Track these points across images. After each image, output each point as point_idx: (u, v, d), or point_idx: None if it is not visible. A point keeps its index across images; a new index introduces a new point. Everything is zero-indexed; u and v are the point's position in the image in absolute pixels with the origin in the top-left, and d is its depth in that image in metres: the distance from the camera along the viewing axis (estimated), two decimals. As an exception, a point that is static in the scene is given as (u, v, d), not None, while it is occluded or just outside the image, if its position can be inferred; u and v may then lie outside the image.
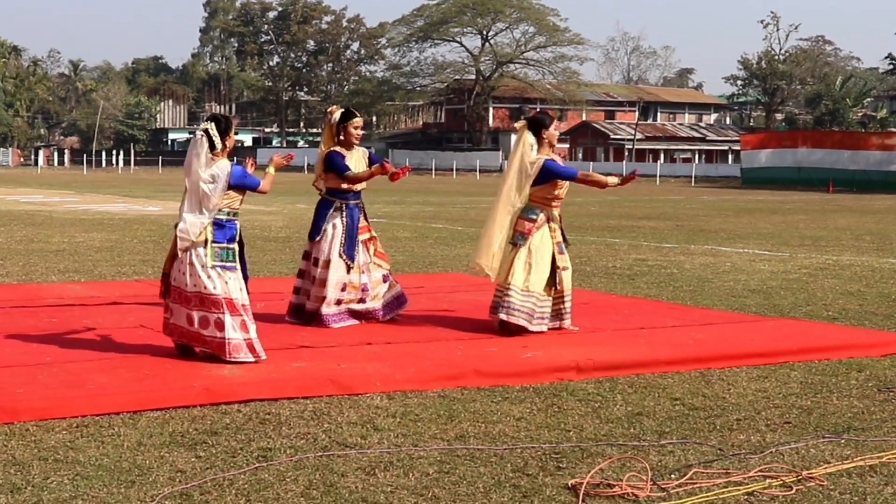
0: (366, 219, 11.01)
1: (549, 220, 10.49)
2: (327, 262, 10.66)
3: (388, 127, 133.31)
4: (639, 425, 7.24)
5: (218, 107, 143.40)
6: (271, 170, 9.43)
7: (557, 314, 10.51)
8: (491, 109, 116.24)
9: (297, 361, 8.80)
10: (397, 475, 6.04)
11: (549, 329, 10.39)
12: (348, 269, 10.71)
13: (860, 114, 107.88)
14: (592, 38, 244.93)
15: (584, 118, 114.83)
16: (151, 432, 6.80)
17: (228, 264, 8.88)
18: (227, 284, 8.78)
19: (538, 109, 10.89)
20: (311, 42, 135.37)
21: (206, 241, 8.83)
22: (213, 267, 8.80)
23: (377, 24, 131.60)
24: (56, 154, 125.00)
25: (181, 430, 6.86)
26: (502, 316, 10.25)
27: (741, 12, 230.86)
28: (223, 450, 6.46)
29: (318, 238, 10.74)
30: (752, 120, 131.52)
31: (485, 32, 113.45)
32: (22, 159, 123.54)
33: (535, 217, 10.39)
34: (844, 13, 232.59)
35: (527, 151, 10.40)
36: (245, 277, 9.08)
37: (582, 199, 46.03)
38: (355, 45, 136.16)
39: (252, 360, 8.68)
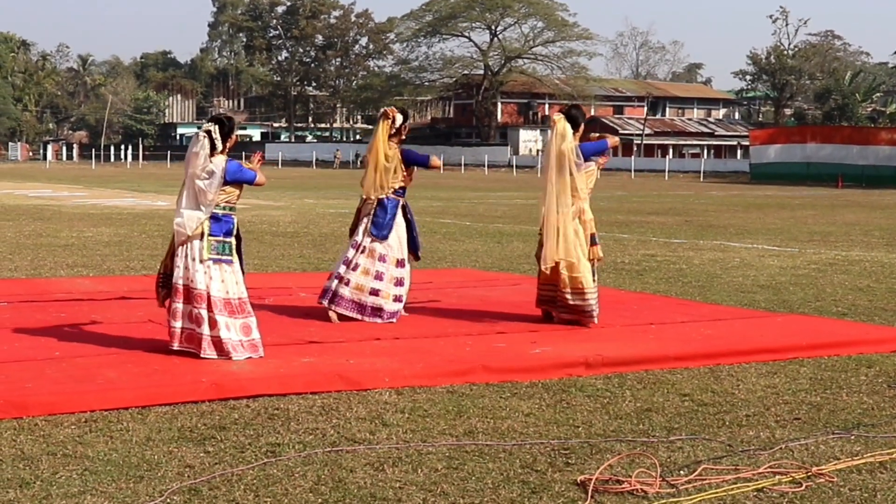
0: None
1: (580, 212, 10.54)
2: (402, 261, 10.83)
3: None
4: (648, 421, 7.22)
5: (226, 101, 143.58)
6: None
7: None
8: (499, 104, 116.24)
9: (306, 357, 8.80)
10: (406, 471, 6.03)
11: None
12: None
13: (869, 109, 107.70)
14: (601, 32, 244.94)
15: (592, 113, 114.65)
16: (160, 427, 6.80)
17: (224, 257, 8.89)
18: (212, 280, 8.77)
19: (572, 105, 10.93)
20: (320, 37, 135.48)
21: (202, 235, 8.84)
22: (207, 260, 8.80)
23: (385, 19, 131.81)
24: (65, 148, 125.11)
25: (190, 426, 6.85)
26: (562, 314, 10.57)
27: (750, 7, 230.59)
28: (232, 445, 6.46)
29: (387, 235, 10.78)
30: (760, 115, 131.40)
31: (493, 27, 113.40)
32: (31, 154, 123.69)
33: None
34: (854, 8, 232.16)
35: (567, 138, 10.48)
36: (241, 272, 9.08)
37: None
38: (364, 40, 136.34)
39: (215, 356, 8.64)
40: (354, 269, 10.72)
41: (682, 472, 6.10)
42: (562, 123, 10.55)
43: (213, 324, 8.71)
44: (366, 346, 9.38)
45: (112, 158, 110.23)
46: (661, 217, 30.62)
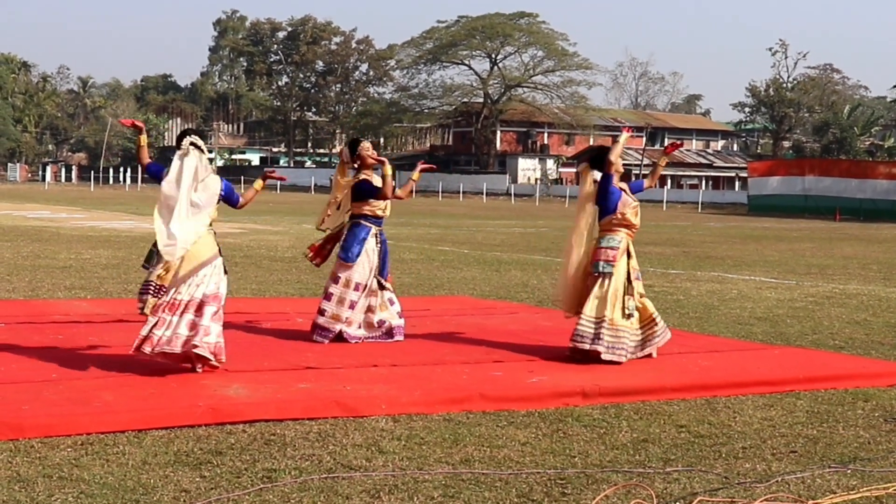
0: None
1: (627, 248, 10.54)
2: (372, 290, 11.17)
3: (395, 149, 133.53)
4: (644, 452, 7.22)
5: (226, 125, 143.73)
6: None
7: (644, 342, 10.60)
8: (499, 133, 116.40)
9: (303, 382, 8.80)
10: (402, 499, 6.02)
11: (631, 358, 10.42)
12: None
13: (868, 143, 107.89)
14: (601, 62, 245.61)
15: (591, 143, 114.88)
16: (156, 451, 6.79)
17: None
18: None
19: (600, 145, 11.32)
20: (320, 62, 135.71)
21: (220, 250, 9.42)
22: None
23: (386, 46, 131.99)
24: (64, 170, 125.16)
25: (186, 450, 6.85)
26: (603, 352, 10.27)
27: (750, 39, 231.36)
28: (228, 470, 6.45)
29: (352, 258, 11.17)
30: (759, 147, 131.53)
31: (493, 56, 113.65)
32: (30, 175, 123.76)
33: (616, 245, 10.44)
34: (853, 42, 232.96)
35: (591, 185, 10.66)
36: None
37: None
38: (364, 67, 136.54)
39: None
40: (328, 298, 11.07)
41: (678, 503, 6.09)
42: (588, 173, 10.71)
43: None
44: (363, 372, 9.38)
45: (111, 181, 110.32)
46: (659, 247, 30.65)
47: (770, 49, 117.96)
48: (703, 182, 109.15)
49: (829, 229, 48.28)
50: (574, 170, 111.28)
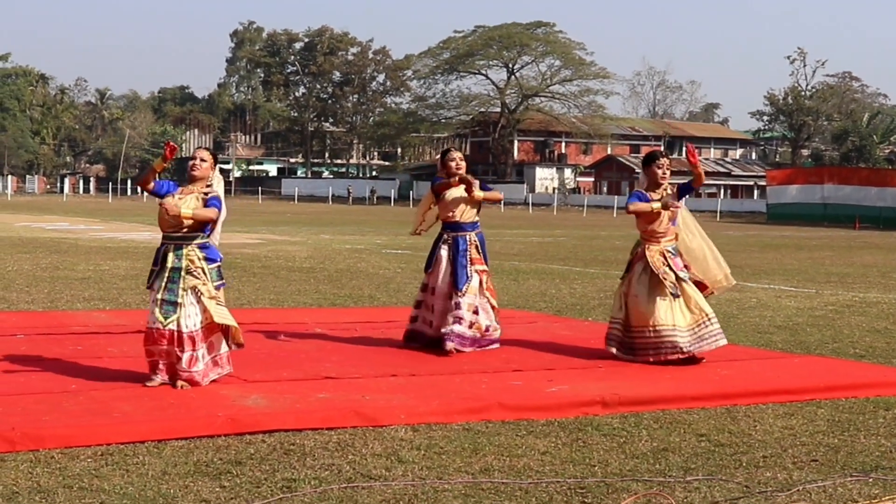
0: (477, 250, 11.75)
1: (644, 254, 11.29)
2: (446, 293, 11.33)
3: (412, 159, 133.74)
4: (664, 461, 7.19)
5: (243, 136, 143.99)
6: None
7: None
8: (516, 142, 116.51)
9: (322, 392, 8.79)
10: (422, 508, 6.01)
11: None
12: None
13: (887, 150, 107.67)
14: (618, 71, 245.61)
15: (609, 152, 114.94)
16: (176, 461, 6.79)
17: None
18: None
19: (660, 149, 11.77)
20: (337, 73, 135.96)
21: None
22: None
23: (403, 56, 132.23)
24: (81, 182, 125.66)
25: (206, 460, 6.84)
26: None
27: (768, 48, 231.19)
28: (247, 480, 6.45)
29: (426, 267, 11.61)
30: (777, 155, 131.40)
31: (511, 65, 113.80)
32: (48, 187, 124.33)
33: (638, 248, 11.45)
34: (872, 50, 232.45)
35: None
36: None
37: (607, 233, 45.98)
38: (381, 77, 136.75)
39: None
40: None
41: (699, 512, 6.06)
42: None
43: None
44: (382, 382, 9.37)
45: (129, 192, 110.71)
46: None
47: (788, 57, 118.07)
48: (722, 191, 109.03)
49: (849, 237, 48.15)
50: (591, 178, 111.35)
